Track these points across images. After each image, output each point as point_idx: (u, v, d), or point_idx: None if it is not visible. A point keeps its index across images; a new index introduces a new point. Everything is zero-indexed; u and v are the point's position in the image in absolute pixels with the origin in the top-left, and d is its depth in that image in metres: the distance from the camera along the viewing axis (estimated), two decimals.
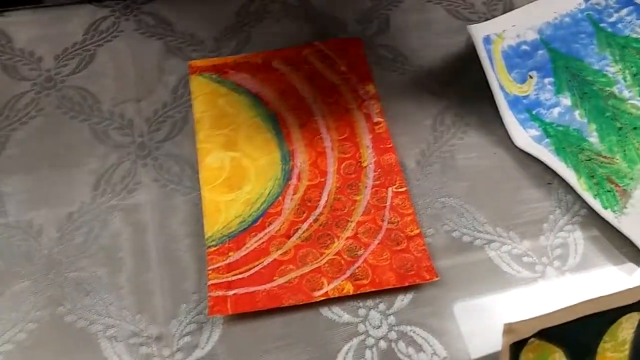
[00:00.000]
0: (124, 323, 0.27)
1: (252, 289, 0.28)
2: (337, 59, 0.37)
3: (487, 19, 0.39)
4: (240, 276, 0.28)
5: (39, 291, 0.28)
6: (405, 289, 0.29)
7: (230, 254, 0.29)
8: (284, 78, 0.36)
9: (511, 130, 0.35)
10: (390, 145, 0.33)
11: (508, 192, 0.33)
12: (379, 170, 0.32)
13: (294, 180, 0.32)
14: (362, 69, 0.36)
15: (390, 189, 0.32)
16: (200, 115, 0.34)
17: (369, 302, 0.29)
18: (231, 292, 0.28)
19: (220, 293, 0.28)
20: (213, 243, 0.29)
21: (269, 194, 0.31)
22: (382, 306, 0.29)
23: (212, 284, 0.28)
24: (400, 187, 0.32)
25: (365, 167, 0.32)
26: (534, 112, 0.35)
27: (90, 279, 0.29)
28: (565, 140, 0.34)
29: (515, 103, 0.35)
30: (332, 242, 0.30)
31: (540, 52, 0.37)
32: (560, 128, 0.34)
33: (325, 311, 0.28)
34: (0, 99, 0.35)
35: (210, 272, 0.28)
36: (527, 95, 0.36)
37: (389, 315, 0.28)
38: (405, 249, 0.29)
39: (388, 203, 0.31)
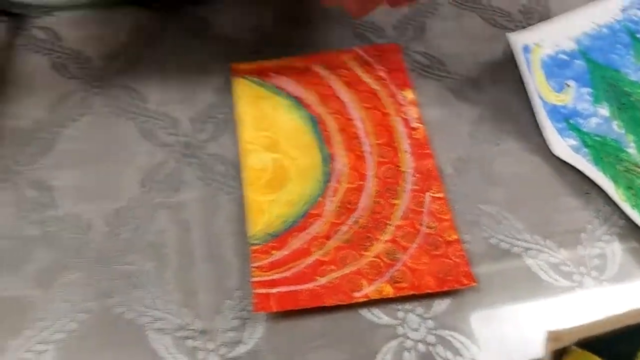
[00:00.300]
0: (171, 316, 0.28)
1: (294, 287, 0.29)
2: (375, 64, 0.38)
3: (522, 27, 0.39)
4: (283, 275, 0.29)
5: (89, 283, 0.29)
6: (443, 294, 0.29)
7: (273, 252, 0.30)
8: (324, 82, 0.37)
9: (549, 138, 0.35)
10: (428, 151, 0.34)
11: (545, 201, 0.33)
12: (418, 175, 0.33)
13: (334, 183, 0.32)
14: (400, 75, 0.37)
15: (428, 194, 0.32)
16: (243, 116, 0.35)
17: (408, 305, 0.29)
18: (274, 290, 0.28)
19: (263, 290, 0.28)
20: (257, 242, 0.30)
21: (310, 195, 0.32)
22: (420, 310, 0.29)
23: (255, 282, 0.29)
24: (438, 193, 0.32)
25: (404, 171, 0.33)
26: (571, 122, 0.35)
27: (138, 272, 0.30)
28: (603, 150, 0.34)
29: (553, 112, 0.36)
30: (372, 244, 0.30)
31: (578, 62, 0.37)
32: (598, 138, 0.34)
33: (364, 312, 0.29)
34: (52, 97, 0.36)
35: (254, 269, 0.29)
36: (565, 105, 0.36)
37: (427, 319, 0.29)
38: (444, 254, 0.30)
39: (426, 208, 0.32)
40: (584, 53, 0.38)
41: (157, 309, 0.29)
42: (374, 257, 0.30)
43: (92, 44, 0.38)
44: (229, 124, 0.35)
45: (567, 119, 0.36)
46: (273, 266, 0.29)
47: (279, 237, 0.30)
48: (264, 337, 0.28)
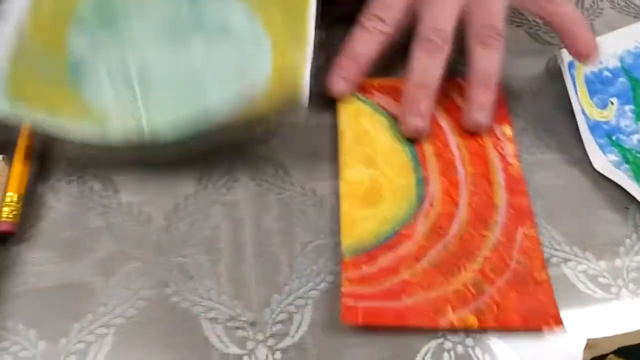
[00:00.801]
0: (223, 307, 0.30)
1: (381, 303, 0.29)
2: None
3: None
4: (371, 290, 0.30)
5: (148, 272, 0.31)
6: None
7: (363, 267, 0.31)
8: None
9: (591, 153, 0.36)
10: (523, 188, 0.34)
11: (585, 213, 0.34)
12: (511, 210, 0.33)
13: (426, 206, 0.33)
14: (500, 110, 0.37)
15: (520, 230, 0.32)
16: (344, 129, 0.36)
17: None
18: (362, 304, 0.29)
19: (352, 302, 0.29)
20: (348, 254, 0.31)
21: (402, 215, 0.33)
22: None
23: (345, 292, 0.30)
24: (530, 230, 0.32)
25: (497, 204, 0.33)
26: (613, 138, 0.36)
27: (193, 265, 0.31)
28: None
29: (595, 128, 0.36)
30: (460, 272, 0.31)
31: (621, 79, 0.38)
32: None
33: None
34: None
35: (345, 280, 0.30)
36: (608, 121, 0.37)
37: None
38: (532, 292, 0.30)
39: (517, 244, 0.32)
40: (626, 71, 0.38)
41: (210, 300, 0.30)
42: (461, 285, 0.30)
43: None
44: (280, 128, 0.37)
45: (609, 135, 0.36)
46: (362, 280, 0.30)
47: (369, 253, 0.31)
48: (309, 331, 0.30)
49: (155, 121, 0.30)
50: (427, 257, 0.31)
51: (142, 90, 0.31)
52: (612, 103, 0.37)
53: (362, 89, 0.38)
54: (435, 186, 0.34)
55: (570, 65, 0.38)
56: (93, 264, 0.31)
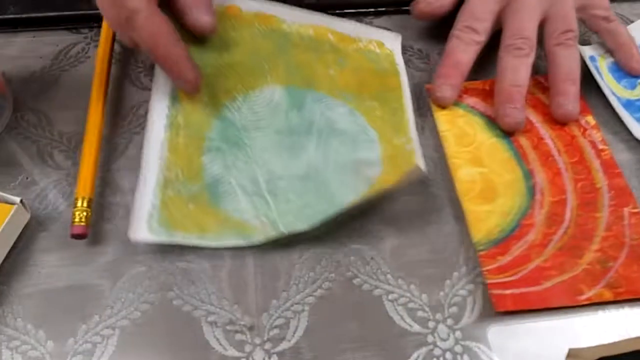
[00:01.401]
0: (223, 311, 0.31)
1: (524, 290, 0.32)
2: None
3: (586, 42, 0.44)
4: (511, 278, 0.32)
5: (153, 276, 0.33)
6: (472, 308, 0.32)
7: (499, 258, 0.33)
8: None
9: (630, 125, 0.39)
10: (619, 171, 0.37)
11: None
12: (612, 192, 0.36)
13: (538, 196, 0.36)
14: (580, 101, 0.40)
15: (626, 209, 0.35)
16: (444, 133, 0.39)
17: (438, 316, 0.32)
18: (508, 292, 0.32)
19: (499, 291, 0.32)
20: (482, 248, 0.34)
21: (519, 207, 0.35)
22: (450, 321, 0.32)
23: (491, 283, 0.32)
24: (635, 209, 0.35)
25: (600, 188, 0.36)
26: None
27: (196, 270, 0.33)
28: None
29: (628, 105, 0.40)
30: (584, 253, 0.33)
31: None
32: None
33: (398, 320, 0.32)
34: (126, 106, 0.40)
35: (486, 272, 0.33)
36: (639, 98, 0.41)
37: (456, 329, 0.31)
38: None
39: (626, 222, 0.35)
40: None
41: (211, 304, 0.32)
42: (588, 264, 0.33)
43: None
44: None
45: None
46: (501, 270, 0.33)
47: (500, 245, 0.34)
48: (305, 336, 0.31)
49: (290, 222, 0.33)
50: (552, 242, 0.34)
51: (272, 198, 0.34)
52: None
53: None
54: (541, 177, 0.37)
55: (592, 58, 0.42)
56: (101, 267, 0.33)
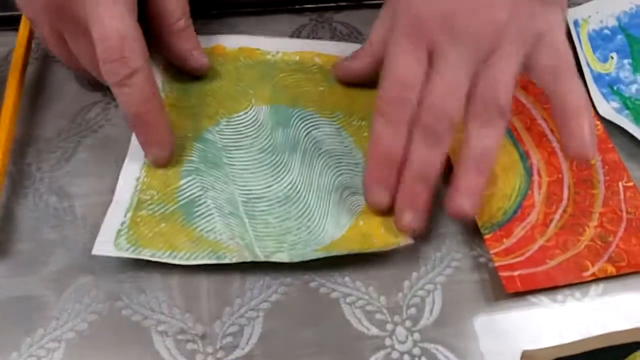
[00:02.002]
0: (174, 320, 0.30)
1: (531, 270, 0.32)
2: None
3: (576, 4, 0.44)
4: (517, 259, 0.32)
5: (100, 285, 0.31)
6: (431, 309, 0.31)
7: (504, 240, 0.33)
8: None
9: (595, 101, 0.40)
10: (611, 145, 0.38)
11: None
12: (606, 167, 0.37)
13: (536, 177, 0.36)
14: None
15: (620, 183, 0.36)
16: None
17: (397, 318, 0.31)
18: (516, 273, 0.32)
19: (507, 273, 0.32)
20: (486, 231, 0.34)
21: (519, 188, 0.36)
22: (408, 323, 0.31)
23: (499, 265, 0.32)
24: (629, 182, 0.36)
25: (594, 164, 0.37)
26: (615, 88, 0.41)
27: (145, 277, 0.32)
28: None
29: (598, 79, 0.41)
30: (584, 230, 0.34)
31: (619, 36, 0.43)
32: (638, 102, 0.40)
33: (355, 323, 0.31)
34: (74, 108, 0.38)
35: (493, 255, 0.33)
36: (609, 73, 0.42)
37: (414, 332, 0.31)
38: None
39: (621, 196, 0.35)
40: (624, 29, 0.43)
41: (162, 313, 0.31)
42: (589, 241, 0.33)
43: None
44: None
45: (610, 85, 0.41)
46: (507, 252, 0.33)
47: (504, 227, 0.34)
48: (259, 343, 0.30)
49: (269, 248, 0.32)
50: (553, 222, 0.34)
51: (249, 219, 0.33)
52: (612, 57, 0.42)
53: None
54: (537, 157, 0.37)
55: (575, 23, 0.43)
56: (46, 278, 0.32)
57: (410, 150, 0.32)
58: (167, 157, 0.34)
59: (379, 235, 0.33)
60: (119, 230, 0.32)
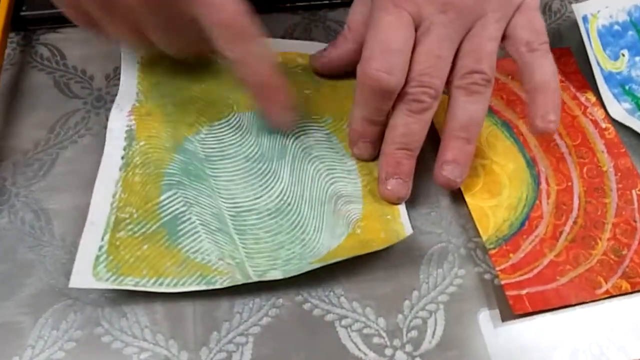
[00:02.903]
0: (158, 347, 0.28)
1: (540, 288, 0.30)
2: None
3: None
4: (526, 276, 0.30)
5: (79, 310, 0.29)
6: (433, 331, 0.29)
7: (510, 255, 0.31)
8: (506, 87, 0.38)
9: (607, 102, 0.38)
10: (624, 150, 0.35)
11: None
12: (619, 174, 0.34)
13: (544, 185, 0.34)
14: (577, 77, 0.39)
15: (634, 191, 0.34)
16: (439, 125, 0.35)
17: (396, 342, 0.29)
18: (524, 292, 0.30)
19: (515, 292, 0.30)
20: (492, 246, 0.31)
21: (526, 198, 0.33)
22: (408, 347, 0.29)
23: (506, 284, 0.30)
24: None
25: (605, 171, 0.35)
26: (626, 87, 0.39)
27: (128, 301, 0.30)
28: None
29: (609, 78, 0.39)
30: (596, 243, 0.32)
31: (630, 32, 0.41)
32: None
33: (352, 348, 0.29)
34: (53, 116, 0.36)
35: (499, 272, 0.30)
36: (620, 72, 0.39)
37: (416, 357, 0.29)
38: None
39: (635, 205, 0.33)
40: (635, 24, 0.41)
41: (144, 339, 0.29)
42: (602, 255, 0.31)
43: (95, 63, 0.38)
44: None
45: (622, 85, 0.39)
46: (515, 269, 0.31)
47: (511, 241, 0.32)
48: None
49: (261, 267, 0.30)
50: (563, 234, 0.32)
51: (239, 236, 0.31)
52: (623, 55, 0.40)
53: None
54: (544, 164, 0.35)
55: (584, 19, 0.40)
56: (22, 302, 0.30)
57: (393, 116, 0.32)
58: (290, 118, 0.33)
59: (379, 240, 0.31)
60: (97, 257, 0.29)
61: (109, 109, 0.35)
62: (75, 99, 0.37)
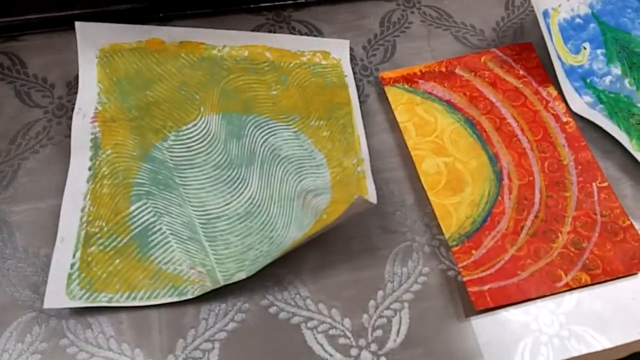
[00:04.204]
0: (123, 357, 0.28)
1: (502, 283, 0.31)
2: (514, 63, 0.40)
3: None
4: (487, 272, 0.31)
5: (43, 321, 0.29)
6: (398, 330, 0.29)
7: (473, 252, 0.32)
8: (469, 84, 0.38)
9: (568, 96, 0.38)
10: (584, 143, 0.36)
11: None
12: (580, 167, 0.35)
13: (506, 181, 0.35)
14: (539, 72, 0.39)
15: (594, 184, 0.34)
16: (404, 124, 0.36)
17: (362, 342, 0.29)
18: (486, 287, 0.30)
19: (477, 288, 0.30)
20: (454, 243, 0.32)
21: (488, 194, 0.34)
22: (374, 346, 0.29)
23: (468, 280, 0.30)
24: (603, 182, 0.34)
25: (566, 164, 0.35)
26: (588, 80, 0.39)
27: (92, 311, 0.30)
28: (616, 105, 0.37)
29: (571, 72, 0.39)
30: (557, 236, 0.32)
31: (592, 25, 0.41)
32: (612, 95, 0.38)
33: (318, 349, 0.29)
34: (14, 126, 0.36)
35: (461, 269, 0.31)
36: (582, 65, 0.39)
37: (381, 355, 0.29)
38: (624, 239, 0.32)
39: (595, 198, 0.34)
40: (596, 17, 0.41)
41: (109, 349, 0.29)
42: (562, 248, 0.32)
43: (56, 71, 0.38)
44: None
45: (583, 78, 0.39)
46: (477, 265, 0.31)
47: (473, 237, 0.32)
48: None
49: (230, 271, 0.30)
50: (525, 229, 0.32)
51: (210, 243, 0.31)
52: (584, 48, 0.40)
53: (407, 79, 0.38)
54: (507, 160, 0.35)
55: (545, 14, 0.40)
56: None
57: None
58: None
59: (338, 212, 0.30)
60: (70, 275, 0.29)
61: (71, 118, 0.35)
62: (36, 108, 0.37)
